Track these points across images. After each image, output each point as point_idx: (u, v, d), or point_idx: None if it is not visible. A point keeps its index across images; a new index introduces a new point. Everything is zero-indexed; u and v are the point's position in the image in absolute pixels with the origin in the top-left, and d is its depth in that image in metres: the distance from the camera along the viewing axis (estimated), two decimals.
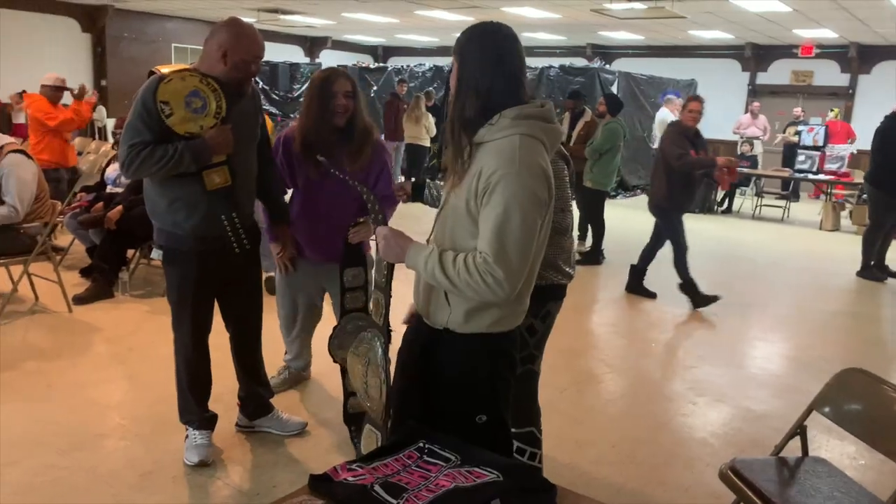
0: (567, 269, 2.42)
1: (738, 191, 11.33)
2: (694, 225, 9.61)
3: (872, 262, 6.98)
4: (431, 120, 10.75)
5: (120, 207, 4.80)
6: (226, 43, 2.49)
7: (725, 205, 11.11)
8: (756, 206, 10.86)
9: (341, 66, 14.07)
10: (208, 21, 15.59)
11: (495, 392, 1.84)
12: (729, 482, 2.17)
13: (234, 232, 2.65)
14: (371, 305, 1.94)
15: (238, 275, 2.82)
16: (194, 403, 2.84)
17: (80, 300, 4.75)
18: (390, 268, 1.86)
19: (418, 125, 10.68)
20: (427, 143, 10.91)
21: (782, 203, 10.80)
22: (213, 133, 2.50)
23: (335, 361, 2.80)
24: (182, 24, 15.31)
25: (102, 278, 4.91)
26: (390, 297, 1.89)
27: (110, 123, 14.12)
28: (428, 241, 1.86)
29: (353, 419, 2.96)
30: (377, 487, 1.41)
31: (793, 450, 2.31)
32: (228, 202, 2.62)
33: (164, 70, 2.57)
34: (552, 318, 2.45)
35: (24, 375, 3.60)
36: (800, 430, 2.30)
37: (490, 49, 1.69)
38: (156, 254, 2.71)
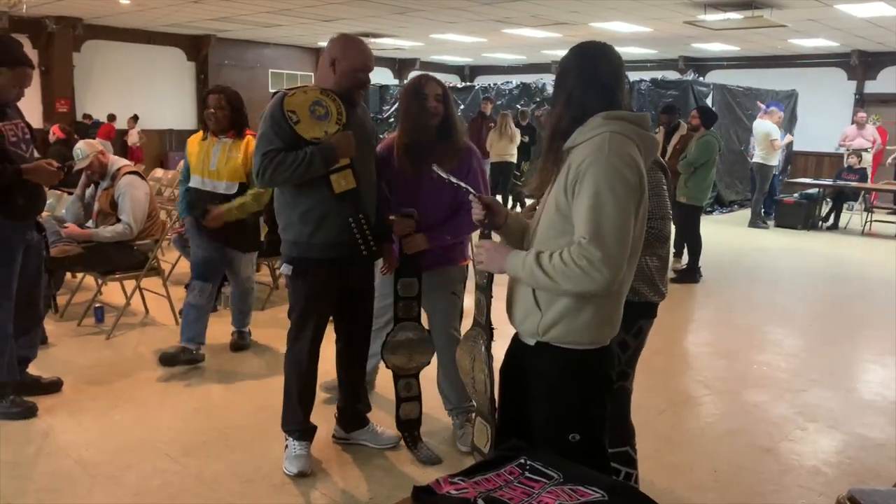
0: (661, 287, 2.37)
1: (845, 206, 10.71)
2: (797, 242, 9.20)
3: None
4: (518, 138, 10.67)
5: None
6: (334, 54, 2.69)
7: (831, 220, 10.51)
8: (865, 222, 10.23)
9: None
10: (302, 47, 16.24)
11: (589, 410, 1.81)
12: None
13: (362, 234, 2.73)
14: (475, 304, 1.96)
15: (359, 286, 2.93)
16: (301, 414, 2.93)
17: None
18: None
19: (505, 142, 10.63)
20: (514, 160, 10.85)
21: (895, 219, 10.13)
22: (336, 137, 2.64)
23: (387, 367, 3.02)
24: (278, 51, 15.99)
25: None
26: (491, 297, 1.92)
27: None
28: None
29: (407, 426, 3.08)
30: (480, 502, 1.40)
31: None
32: (355, 205, 2.71)
33: (285, 89, 2.74)
34: (644, 334, 2.40)
35: (138, 384, 3.81)
36: None
37: (587, 63, 1.79)
38: (286, 269, 2.81)
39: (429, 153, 2.78)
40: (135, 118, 13.52)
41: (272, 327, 4.80)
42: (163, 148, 14.47)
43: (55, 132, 8.10)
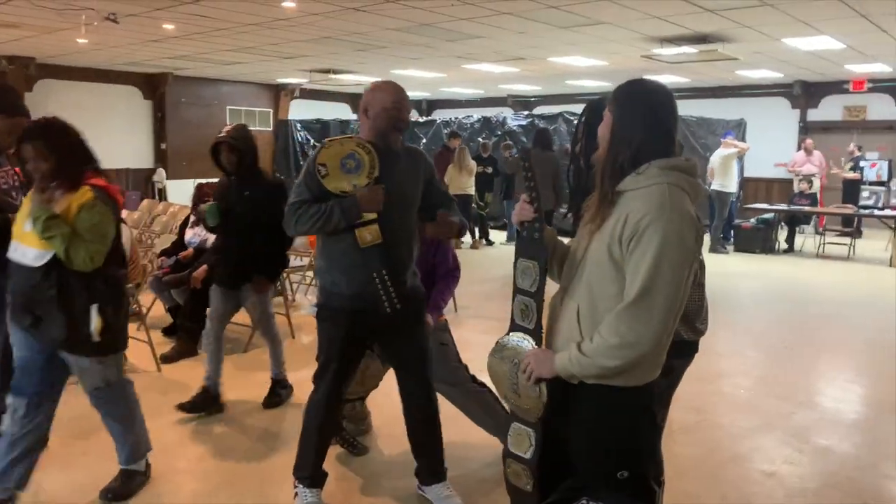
0: (698, 326, 2.40)
1: (797, 229, 11.13)
2: (756, 266, 9.49)
3: None
4: (474, 171, 10.80)
5: (205, 267, 4.93)
6: (366, 101, 2.70)
7: (787, 244, 10.89)
8: (819, 245, 10.63)
9: None
10: (260, 83, 16.19)
11: (638, 447, 1.83)
12: None
13: (385, 290, 2.67)
14: (518, 311, 1.93)
15: (394, 339, 2.87)
16: (315, 459, 2.86)
17: (167, 359, 4.86)
18: (541, 272, 1.86)
19: (465, 175, 10.72)
20: (472, 192, 10.95)
21: (846, 241, 10.55)
22: (362, 191, 2.61)
23: None
24: (236, 87, 15.90)
25: (188, 337, 5.02)
26: (542, 301, 1.89)
27: (170, 185, 14.64)
28: (555, 295, 1.90)
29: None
30: None
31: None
32: (381, 260, 2.66)
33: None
34: (677, 374, 2.42)
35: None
36: None
37: (648, 105, 1.78)
38: (310, 310, 2.83)
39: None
40: None
41: (258, 369, 4.72)
42: (119, 187, 14.14)
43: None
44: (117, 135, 14.25)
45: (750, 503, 3.07)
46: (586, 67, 12.20)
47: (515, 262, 1.92)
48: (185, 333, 5.03)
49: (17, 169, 3.25)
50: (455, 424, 3.30)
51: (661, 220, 1.65)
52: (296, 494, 2.88)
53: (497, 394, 2.01)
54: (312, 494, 2.86)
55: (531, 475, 1.86)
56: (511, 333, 1.92)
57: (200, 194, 5.40)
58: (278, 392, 4.19)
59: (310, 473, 2.87)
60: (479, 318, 6.47)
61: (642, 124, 1.76)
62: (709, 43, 9.17)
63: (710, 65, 10.98)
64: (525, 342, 1.87)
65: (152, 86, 14.61)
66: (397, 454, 3.45)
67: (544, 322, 1.92)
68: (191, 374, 4.61)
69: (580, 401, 1.80)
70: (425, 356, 2.93)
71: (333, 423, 2.92)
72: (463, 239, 8.86)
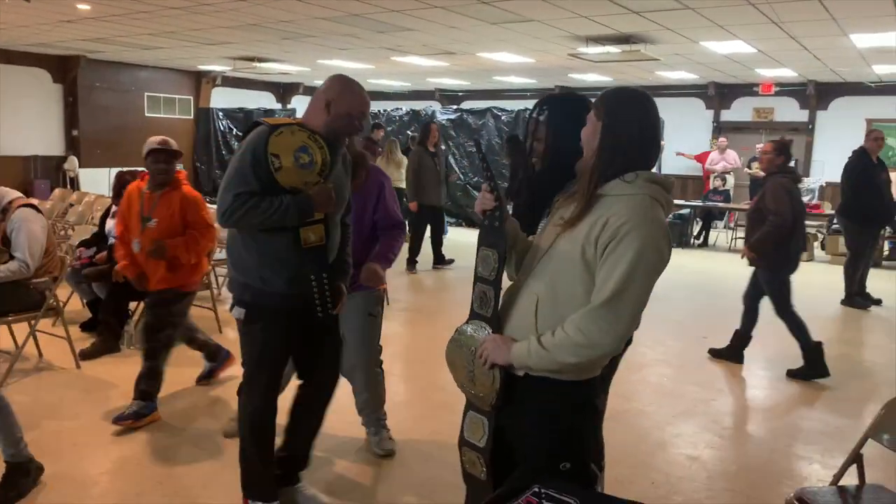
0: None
1: (711, 224, 11.67)
2: (673, 260, 9.85)
3: (855, 291, 7.23)
4: (405, 163, 10.79)
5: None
6: (331, 95, 2.54)
7: (702, 238, 11.40)
8: (731, 239, 11.17)
9: None
10: (181, 70, 15.63)
11: (580, 440, 1.87)
12: None
13: (321, 293, 2.56)
14: (478, 299, 1.92)
15: (319, 335, 2.73)
16: (264, 473, 2.69)
17: (87, 355, 4.65)
18: (500, 261, 1.87)
19: (392, 168, 10.69)
20: (403, 186, 10.93)
21: None
22: (317, 189, 2.48)
23: None
24: (155, 73, 15.29)
25: (109, 332, 4.82)
26: (500, 289, 1.89)
27: (83, 174, 13.96)
28: (513, 285, 1.93)
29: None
30: None
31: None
32: (320, 261, 2.56)
33: (272, 122, 2.53)
34: (616, 362, 2.50)
35: (47, 435, 3.50)
36: (857, 459, 2.38)
37: (640, 113, 1.82)
38: (237, 312, 2.60)
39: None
40: None
41: (185, 366, 4.58)
42: (27, 175, 13.39)
43: None
44: (25, 120, 13.47)
45: (676, 487, 3.22)
46: (514, 64, 12.37)
47: (477, 251, 1.92)
48: (106, 329, 4.82)
49: None
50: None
51: (641, 229, 1.69)
52: None
53: (455, 381, 2.00)
54: None
55: (485, 463, 1.88)
56: (469, 321, 1.93)
57: (122, 182, 5.19)
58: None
59: (263, 488, 2.69)
60: (408, 311, 6.50)
61: (636, 133, 1.80)
62: (632, 43, 9.46)
63: (632, 65, 11.34)
64: (482, 330, 1.88)
65: (63, 69, 13.86)
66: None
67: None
68: (112, 372, 4.44)
69: (524, 392, 1.83)
70: (340, 348, 2.87)
71: (273, 432, 2.71)
72: None
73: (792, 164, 5.15)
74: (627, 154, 1.79)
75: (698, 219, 11.61)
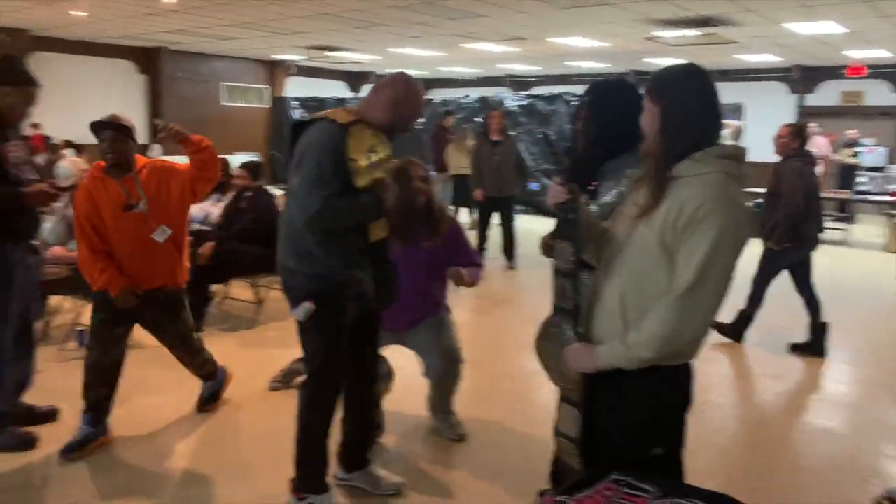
0: None
1: None
2: (753, 249, 9.54)
3: None
4: None
5: (211, 244, 4.92)
6: (398, 94, 2.55)
7: None
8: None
9: None
10: (256, 59, 16.04)
11: (673, 426, 1.88)
12: None
13: (386, 284, 2.63)
14: (557, 292, 1.94)
15: (368, 324, 2.82)
16: (324, 464, 2.74)
17: None
18: (576, 253, 1.85)
19: (463, 155, 10.69)
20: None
21: (842, 226, 10.63)
22: (383, 185, 2.55)
23: None
24: (232, 63, 15.76)
25: (192, 313, 5.01)
26: (578, 281, 1.88)
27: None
28: (598, 278, 1.92)
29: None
30: None
31: None
32: (382, 254, 2.64)
33: (337, 118, 2.52)
34: None
35: (137, 411, 3.69)
36: None
37: (701, 90, 1.76)
38: (302, 311, 2.55)
39: (413, 234, 3.15)
40: (68, 142, 12.83)
41: (264, 346, 4.74)
42: None
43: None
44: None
45: (756, 482, 3.12)
46: (587, 48, 12.16)
47: (553, 244, 1.93)
48: (190, 309, 5.01)
49: (24, 143, 3.21)
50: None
51: (718, 212, 1.65)
52: None
53: (548, 375, 2.03)
54: (326, 498, 2.74)
55: (579, 452, 1.90)
56: (554, 314, 1.94)
57: None
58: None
59: (319, 481, 2.73)
60: (477, 299, 6.50)
61: (695, 109, 1.75)
62: (711, 26, 9.16)
63: (710, 48, 10.98)
64: (565, 326, 1.89)
65: (147, 60, 14.45)
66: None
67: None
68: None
69: (618, 378, 1.81)
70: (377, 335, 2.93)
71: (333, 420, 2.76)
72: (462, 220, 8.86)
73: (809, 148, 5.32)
74: (691, 132, 1.74)
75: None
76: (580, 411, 1.89)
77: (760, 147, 13.83)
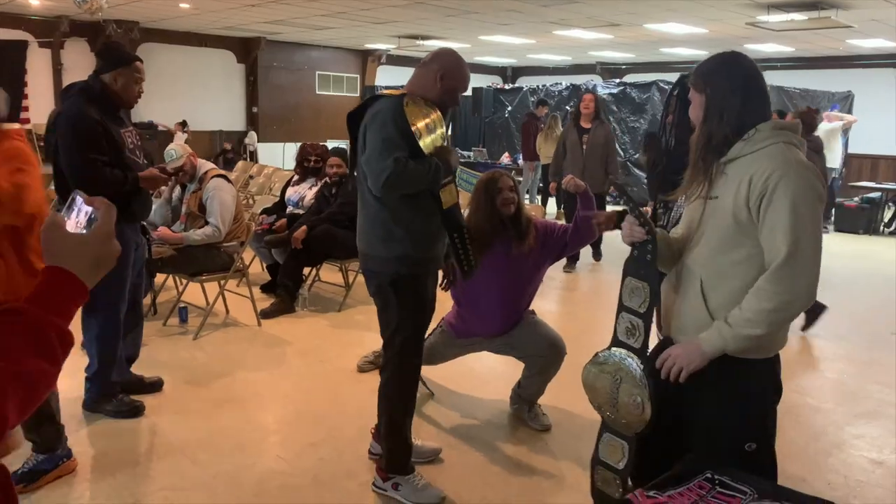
0: None
1: None
2: (859, 247, 9.00)
3: None
4: None
5: (304, 228, 5.08)
6: (446, 68, 2.65)
7: (893, 226, 10.29)
8: None
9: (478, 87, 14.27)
10: (349, 49, 16.36)
11: (766, 419, 1.84)
12: None
13: (464, 250, 2.69)
14: (623, 328, 1.94)
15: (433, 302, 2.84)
16: (408, 447, 2.79)
17: (267, 315, 5.06)
18: (652, 295, 1.85)
19: (551, 143, 10.57)
20: None
21: None
22: (447, 150, 2.62)
23: None
24: (325, 53, 16.14)
25: (286, 294, 5.21)
26: (650, 322, 1.89)
27: (261, 148, 15.08)
28: (674, 276, 1.92)
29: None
30: None
31: None
32: (457, 220, 2.68)
33: (391, 93, 2.65)
34: None
35: (236, 385, 3.87)
36: None
37: (738, 74, 1.80)
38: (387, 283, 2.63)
39: (491, 241, 3.16)
40: (183, 123, 13.64)
41: (353, 328, 4.87)
42: (212, 149, 14.68)
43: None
44: (212, 97, 14.77)
45: (856, 490, 2.97)
46: (684, 35, 11.75)
47: (623, 279, 1.92)
48: (283, 291, 5.21)
49: (135, 129, 3.44)
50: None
51: (789, 176, 1.67)
52: (396, 486, 2.76)
53: (591, 403, 2.03)
54: (419, 476, 2.79)
55: (621, 484, 1.92)
56: (613, 348, 1.93)
57: (304, 154, 5.61)
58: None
59: (407, 462, 2.78)
60: (562, 290, 6.43)
61: (739, 94, 1.77)
62: (821, 9, 8.65)
63: (819, 33, 10.38)
64: (630, 360, 1.88)
65: (246, 50, 15.01)
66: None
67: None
68: (289, 330, 4.80)
69: (709, 378, 1.79)
70: None
71: None
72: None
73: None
74: (732, 117, 1.76)
75: (890, 203, 10.47)
76: (631, 445, 1.88)
77: (868, 139, 13.10)
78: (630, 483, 1.93)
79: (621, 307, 1.93)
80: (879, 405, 3.92)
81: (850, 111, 12.54)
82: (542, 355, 3.36)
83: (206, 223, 4.58)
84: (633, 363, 1.88)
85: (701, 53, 14.47)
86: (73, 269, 0.92)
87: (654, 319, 1.95)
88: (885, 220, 10.29)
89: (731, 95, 1.77)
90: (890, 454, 3.33)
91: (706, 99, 1.81)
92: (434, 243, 2.67)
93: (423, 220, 2.61)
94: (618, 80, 14.18)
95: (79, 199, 1.00)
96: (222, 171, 4.88)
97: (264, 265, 5.88)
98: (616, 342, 1.95)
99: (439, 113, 2.66)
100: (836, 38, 11.19)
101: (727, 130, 1.77)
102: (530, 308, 3.46)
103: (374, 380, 3.05)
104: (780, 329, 1.76)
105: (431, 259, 2.70)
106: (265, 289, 5.70)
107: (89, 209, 0.98)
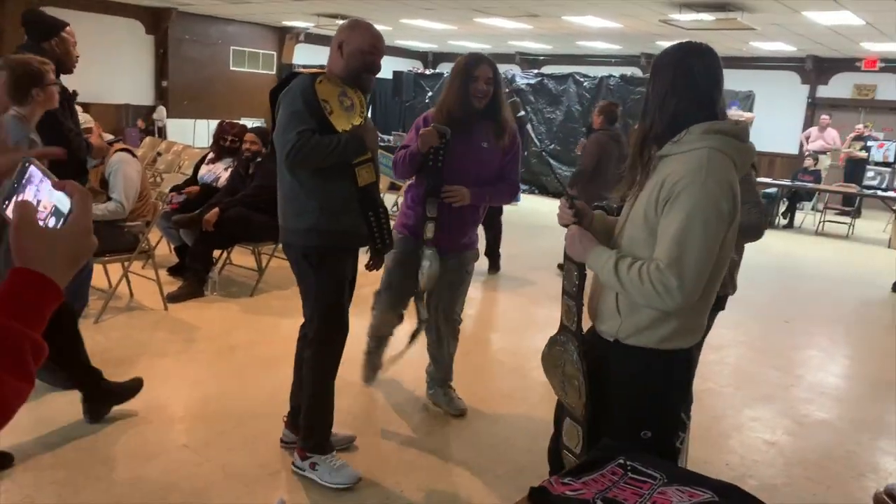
0: (735, 281, 2.45)
1: (797, 206, 11.16)
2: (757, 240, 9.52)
3: None
4: None
5: (217, 210, 4.90)
6: (342, 37, 2.62)
7: (787, 219, 10.94)
8: (819, 222, 10.67)
9: (398, 71, 14.17)
10: (267, 25, 15.86)
11: (663, 410, 1.87)
12: None
13: (380, 228, 2.69)
14: (563, 312, 1.96)
15: (352, 277, 2.85)
16: (330, 420, 2.80)
17: (174, 298, 4.85)
18: (581, 276, 1.87)
19: None
20: None
21: (846, 220, 10.59)
22: (365, 127, 2.60)
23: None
24: (242, 28, 15.59)
25: (195, 278, 5.01)
26: (582, 304, 1.91)
27: (170, 123, 14.43)
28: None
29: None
30: (599, 502, 1.42)
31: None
32: (375, 198, 2.68)
33: (308, 72, 2.64)
34: (707, 328, 2.46)
35: (140, 370, 3.67)
36: None
37: (682, 69, 1.74)
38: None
39: (469, 130, 2.95)
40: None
41: (266, 314, 4.74)
42: (119, 123, 13.93)
43: None
44: (118, 69, 13.98)
45: (752, 470, 3.14)
46: (600, 29, 12.03)
47: (565, 263, 1.93)
48: (192, 275, 5.01)
49: None
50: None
51: (695, 185, 1.63)
52: (313, 465, 2.74)
53: (551, 385, 2.05)
54: (336, 457, 2.78)
55: None
56: (560, 333, 1.95)
57: (221, 132, 5.41)
58: None
59: (326, 441, 2.78)
60: (484, 278, 6.49)
61: (676, 89, 1.72)
62: (728, 11, 9.03)
63: (725, 34, 10.84)
64: (569, 343, 1.89)
65: (156, 20, 14.28)
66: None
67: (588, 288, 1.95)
68: (198, 316, 4.63)
69: (613, 359, 1.84)
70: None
71: None
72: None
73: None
74: (672, 112, 1.72)
75: (785, 198, 11.11)
76: (583, 429, 1.89)
77: (766, 137, 13.85)
78: None
79: (563, 291, 1.94)
80: (774, 389, 4.16)
81: (750, 110, 13.19)
82: (442, 324, 3.31)
83: (109, 199, 4.33)
84: (571, 346, 1.89)
85: (615, 48, 14.88)
86: (48, 270, 0.81)
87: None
88: (780, 213, 10.90)
89: (668, 89, 1.74)
90: (782, 435, 3.54)
91: (648, 91, 1.80)
92: (344, 217, 2.65)
93: (333, 194, 2.62)
94: (536, 71, 14.38)
95: (34, 172, 0.86)
96: (126, 146, 4.63)
97: (172, 247, 5.64)
98: (561, 327, 1.96)
99: (360, 93, 2.64)
100: (740, 39, 11.73)
101: (661, 128, 1.74)
102: (464, 199, 3.03)
103: (286, 367, 3.00)
104: (658, 313, 1.74)
105: (343, 232, 2.67)
106: (173, 271, 5.45)
107: (60, 195, 0.85)
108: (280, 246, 4.55)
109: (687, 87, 1.74)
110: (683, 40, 1.83)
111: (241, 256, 5.81)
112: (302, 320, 2.84)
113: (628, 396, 1.84)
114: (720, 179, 1.66)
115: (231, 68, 15.65)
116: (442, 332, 3.36)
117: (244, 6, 12.91)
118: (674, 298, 1.65)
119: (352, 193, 2.63)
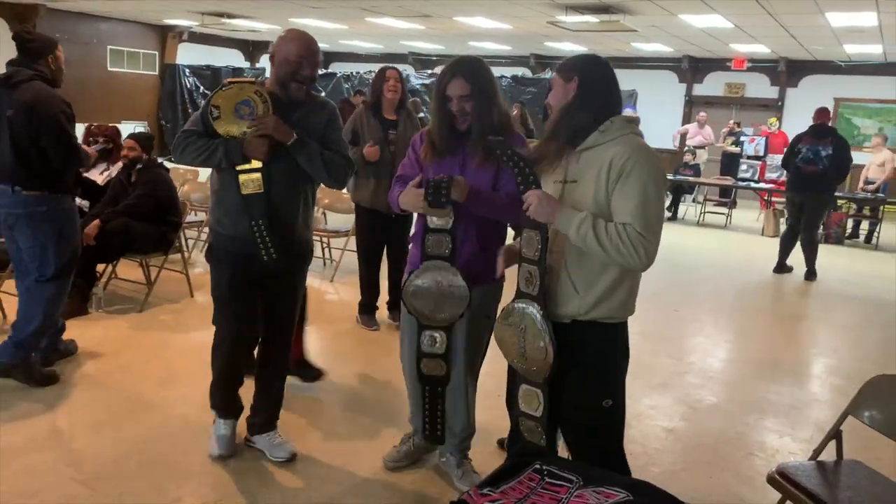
0: None
1: (680, 199, 11.80)
2: None
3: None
4: None
5: (97, 222, 4.59)
6: (273, 48, 2.75)
7: (671, 212, 11.52)
8: (700, 214, 11.31)
9: None
10: (146, 23, 15.09)
11: (620, 377, 2.12)
12: (778, 486, 2.27)
13: (262, 239, 2.70)
14: (523, 279, 2.04)
15: (274, 285, 2.88)
16: (223, 392, 2.98)
17: None
18: (543, 242, 1.96)
19: None
20: None
21: (724, 210, 11.29)
22: (249, 138, 2.65)
23: (410, 313, 2.53)
24: (118, 26, 14.76)
25: (77, 294, 4.67)
26: (545, 269, 1.99)
27: None
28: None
29: (429, 381, 2.57)
30: None
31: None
32: (261, 209, 2.69)
33: (233, 80, 2.78)
34: None
35: (12, 398, 3.39)
36: (836, 435, 2.43)
37: (608, 73, 2.08)
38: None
39: (452, 150, 2.57)
40: None
41: (157, 329, 4.49)
42: None
43: None
44: None
45: (654, 458, 3.27)
46: (490, 29, 12.22)
47: (522, 232, 2.04)
48: (74, 291, 4.66)
49: None
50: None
51: (644, 160, 1.91)
52: (213, 422, 3.00)
53: (505, 358, 2.12)
54: (226, 426, 2.97)
55: (543, 430, 2.03)
56: (516, 300, 2.04)
57: (89, 136, 5.10)
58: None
59: (220, 403, 2.98)
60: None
61: (605, 90, 2.05)
62: (611, 13, 9.40)
63: (609, 35, 11.30)
64: (531, 307, 1.99)
65: (21, 18, 13.24)
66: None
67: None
68: (82, 335, 4.31)
69: (576, 342, 1.99)
70: (294, 308, 3.01)
71: (238, 359, 2.94)
72: None
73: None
74: (602, 107, 2.00)
75: (668, 192, 11.72)
76: (544, 391, 2.00)
77: (649, 134, 14.56)
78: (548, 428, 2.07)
79: (520, 259, 2.05)
80: (670, 377, 4.36)
81: (633, 108, 13.82)
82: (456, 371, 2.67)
83: None
84: (534, 310, 1.99)
85: (505, 48, 15.19)
86: None
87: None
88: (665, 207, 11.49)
89: (600, 89, 2.03)
90: (679, 421, 3.71)
91: (578, 87, 2.01)
92: (233, 223, 2.75)
93: (225, 199, 2.76)
94: (429, 72, 14.46)
95: None
96: None
97: None
98: (519, 294, 2.07)
99: (268, 102, 2.65)
100: (622, 40, 12.25)
101: (590, 119, 1.99)
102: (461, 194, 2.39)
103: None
104: (611, 283, 1.98)
105: (230, 236, 2.77)
106: None
107: None
108: (169, 257, 4.36)
109: (611, 88, 2.08)
110: (587, 51, 2.06)
111: (129, 269, 5.47)
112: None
113: (590, 370, 2.02)
114: (655, 153, 1.98)
115: (109, 69, 14.79)
116: (459, 400, 2.76)
117: (120, 3, 12.23)
118: (649, 257, 1.91)
119: (238, 200, 2.70)
